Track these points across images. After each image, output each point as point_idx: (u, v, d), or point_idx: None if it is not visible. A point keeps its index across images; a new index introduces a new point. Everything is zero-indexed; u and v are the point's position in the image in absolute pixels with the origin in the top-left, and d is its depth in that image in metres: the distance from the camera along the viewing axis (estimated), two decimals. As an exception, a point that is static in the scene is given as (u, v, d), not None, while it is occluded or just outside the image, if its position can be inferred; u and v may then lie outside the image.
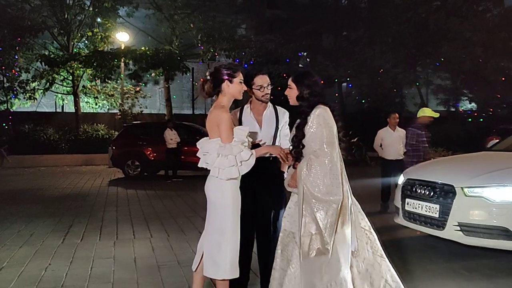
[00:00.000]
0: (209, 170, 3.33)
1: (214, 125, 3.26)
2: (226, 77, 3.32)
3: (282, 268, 3.29)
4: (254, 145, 3.50)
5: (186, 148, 13.41)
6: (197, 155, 3.41)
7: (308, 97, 3.24)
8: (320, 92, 3.27)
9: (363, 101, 27.25)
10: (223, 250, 3.25)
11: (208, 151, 3.29)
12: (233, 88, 3.34)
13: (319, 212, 3.04)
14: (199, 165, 3.38)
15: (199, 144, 3.44)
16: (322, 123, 3.13)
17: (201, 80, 3.47)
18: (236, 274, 3.30)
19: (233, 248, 3.28)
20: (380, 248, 3.27)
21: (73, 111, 21.49)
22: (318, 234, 3.03)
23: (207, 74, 3.42)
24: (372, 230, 3.30)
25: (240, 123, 3.83)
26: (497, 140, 7.05)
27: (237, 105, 4.34)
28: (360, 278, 3.17)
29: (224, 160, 3.19)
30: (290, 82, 3.34)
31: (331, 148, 3.09)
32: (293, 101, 3.33)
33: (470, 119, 22.48)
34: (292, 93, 3.32)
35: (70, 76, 20.86)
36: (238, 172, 3.22)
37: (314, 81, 3.29)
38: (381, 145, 8.59)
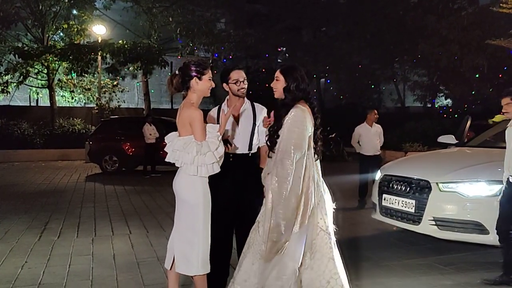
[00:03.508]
0: (176, 164, 3.35)
1: (186, 124, 3.27)
2: (195, 74, 3.31)
3: (243, 252, 3.37)
4: (223, 141, 3.54)
5: (165, 143, 13.29)
6: (165, 149, 3.41)
7: (294, 91, 3.24)
8: (305, 88, 3.30)
9: (341, 96, 27.50)
10: (195, 247, 3.27)
11: (180, 149, 3.29)
12: (202, 85, 3.34)
13: (282, 215, 3.05)
14: (167, 159, 3.40)
15: (167, 138, 3.44)
16: (295, 124, 3.14)
17: (170, 75, 3.45)
18: (207, 269, 3.33)
19: (204, 244, 3.31)
20: (333, 249, 3.19)
21: (48, 105, 21.08)
22: (278, 241, 3.06)
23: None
24: (329, 231, 3.24)
25: (218, 122, 3.85)
26: (471, 137, 7.22)
27: (216, 102, 4.36)
28: (305, 275, 3.17)
29: (203, 157, 3.20)
30: (278, 74, 3.31)
31: (296, 150, 3.10)
32: (279, 93, 3.30)
33: (445, 115, 22.88)
34: (279, 85, 3.29)
35: (45, 69, 20.43)
36: (218, 167, 3.26)
37: (302, 75, 3.30)
38: (358, 141, 8.72)
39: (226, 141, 3.65)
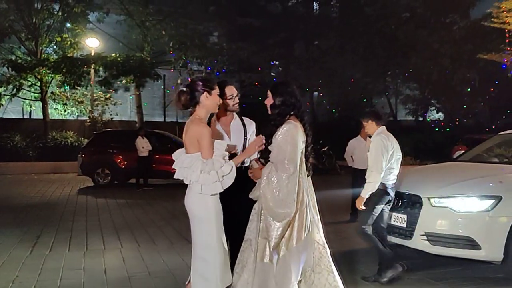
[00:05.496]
0: (184, 181, 3.34)
1: (194, 140, 3.25)
2: (205, 89, 3.32)
3: (237, 273, 3.38)
4: (231, 155, 3.56)
5: (157, 156, 13.34)
6: (173, 166, 3.40)
7: (280, 105, 3.31)
8: (294, 103, 3.34)
9: (334, 110, 27.63)
10: (210, 264, 3.24)
11: (188, 166, 3.27)
12: (211, 100, 3.35)
13: (272, 221, 3.16)
14: (175, 176, 3.38)
15: (175, 155, 3.43)
16: (289, 140, 3.21)
17: (178, 91, 3.46)
18: (229, 280, 3.32)
19: (221, 260, 3.27)
20: (331, 262, 3.34)
21: (41, 117, 21.05)
22: (270, 241, 3.15)
23: (179, 81, 3.46)
24: (325, 245, 3.37)
25: None
26: (463, 151, 7.28)
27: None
28: None
29: (207, 176, 3.19)
30: (268, 91, 3.43)
31: (291, 165, 3.17)
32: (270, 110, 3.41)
33: (437, 129, 23.05)
34: (269, 102, 3.40)
35: (38, 82, 20.43)
36: (221, 187, 3.23)
37: (289, 91, 3.36)
38: (351, 155, 8.74)
39: (234, 155, 3.67)
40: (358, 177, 8.51)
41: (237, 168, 3.88)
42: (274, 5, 28.13)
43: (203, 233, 3.28)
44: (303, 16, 27.25)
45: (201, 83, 3.33)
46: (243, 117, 4.08)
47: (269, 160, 3.29)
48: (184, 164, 3.30)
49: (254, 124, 4.08)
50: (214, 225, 3.28)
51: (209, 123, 4.03)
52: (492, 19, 15.82)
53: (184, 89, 3.38)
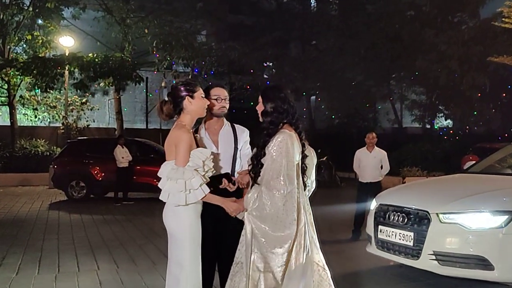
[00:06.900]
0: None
1: (172, 146, 3.27)
2: (186, 93, 3.34)
3: None
4: (222, 176, 3.54)
5: (138, 167, 13.30)
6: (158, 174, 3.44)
7: (272, 112, 3.29)
8: (287, 110, 3.31)
9: (334, 116, 27.74)
10: (181, 284, 3.25)
11: (160, 173, 3.31)
12: (195, 104, 3.36)
13: (270, 251, 3.08)
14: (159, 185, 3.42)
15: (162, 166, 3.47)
16: (283, 152, 3.15)
17: (159, 102, 3.48)
18: None
19: (193, 283, 3.29)
20: (332, 286, 3.32)
21: (9, 124, 20.91)
22: (270, 273, 3.09)
23: (163, 84, 3.47)
24: (325, 266, 3.35)
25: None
26: (474, 162, 7.33)
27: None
28: None
29: (174, 184, 3.20)
30: (259, 97, 3.41)
31: (288, 181, 3.12)
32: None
33: (446, 137, 23.19)
34: (260, 108, 3.37)
35: (6, 85, 20.31)
36: (185, 200, 3.20)
37: (281, 96, 3.33)
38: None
39: (227, 176, 3.65)
40: (363, 190, 8.49)
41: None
42: (268, 1, 28.31)
43: (176, 251, 3.29)
44: (299, 14, 27.43)
45: (182, 88, 3.36)
46: (235, 125, 4.04)
47: (259, 171, 3.24)
48: (160, 172, 3.33)
49: (247, 132, 4.02)
50: (188, 242, 3.27)
51: (196, 131, 4.02)
52: (503, 19, 15.97)
53: (166, 98, 3.41)
